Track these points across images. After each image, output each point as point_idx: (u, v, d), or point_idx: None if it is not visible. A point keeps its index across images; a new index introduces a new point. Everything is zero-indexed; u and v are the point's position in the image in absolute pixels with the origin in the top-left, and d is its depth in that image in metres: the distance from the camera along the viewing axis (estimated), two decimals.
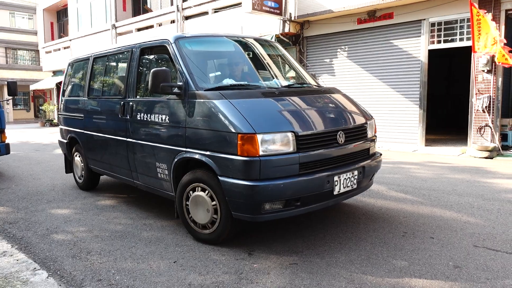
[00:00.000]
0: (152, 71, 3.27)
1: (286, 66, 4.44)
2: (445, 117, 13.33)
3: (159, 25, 15.04)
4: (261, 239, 3.39)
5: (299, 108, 3.31)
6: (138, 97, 3.98)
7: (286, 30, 10.78)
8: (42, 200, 4.96)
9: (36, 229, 3.85)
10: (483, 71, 8.07)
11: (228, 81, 3.59)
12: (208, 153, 3.10)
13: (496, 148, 7.79)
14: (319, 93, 3.75)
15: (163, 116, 3.54)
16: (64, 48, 21.21)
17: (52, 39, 23.48)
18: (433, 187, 5.19)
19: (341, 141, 3.27)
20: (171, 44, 3.59)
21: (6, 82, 6.64)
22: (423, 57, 8.93)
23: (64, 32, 22.95)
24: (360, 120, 3.60)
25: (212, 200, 3.18)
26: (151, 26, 15.34)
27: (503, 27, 7.84)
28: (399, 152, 8.62)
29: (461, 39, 8.47)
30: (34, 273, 2.81)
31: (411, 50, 9.16)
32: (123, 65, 4.41)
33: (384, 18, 9.41)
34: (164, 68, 3.37)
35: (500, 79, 8.00)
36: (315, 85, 4.12)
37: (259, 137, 2.85)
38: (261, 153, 2.85)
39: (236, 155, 2.89)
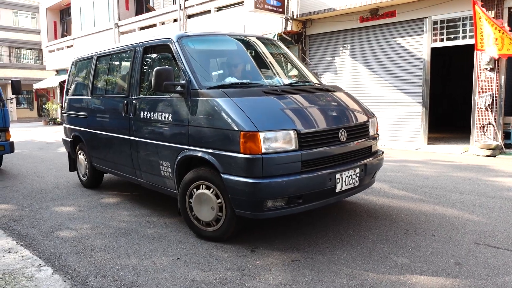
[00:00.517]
0: (155, 69, 3.29)
1: (289, 64, 4.45)
2: (447, 115, 13.30)
3: (162, 24, 15.07)
4: (263, 236, 3.41)
5: (301, 106, 3.33)
6: (141, 95, 4.01)
7: (289, 28, 10.78)
8: (46, 198, 5.00)
9: (41, 226, 3.89)
10: (486, 69, 8.05)
11: (230, 80, 3.62)
12: (210, 151, 3.12)
13: (499, 146, 7.77)
14: (321, 91, 3.76)
15: (166, 115, 3.57)
16: (67, 47, 21.29)
17: (55, 38, 23.57)
18: (435, 185, 5.19)
19: (343, 139, 3.28)
20: (174, 43, 3.61)
21: (10, 81, 6.69)
22: (426, 55, 8.91)
23: (67, 31, 23.03)
24: (362, 118, 3.62)
25: (217, 198, 3.20)
26: (154, 25, 15.37)
27: (506, 25, 7.80)
28: (401, 150, 8.61)
29: (463, 37, 8.45)
30: (39, 269, 2.84)
31: (414, 48, 9.14)
32: (126, 64, 4.44)
33: (386, 16, 9.40)
34: (167, 66, 3.39)
35: (503, 77, 7.98)
36: (317, 84, 4.13)
37: (262, 134, 2.87)
38: (263, 150, 2.86)
39: (239, 152, 2.91)
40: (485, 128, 8.12)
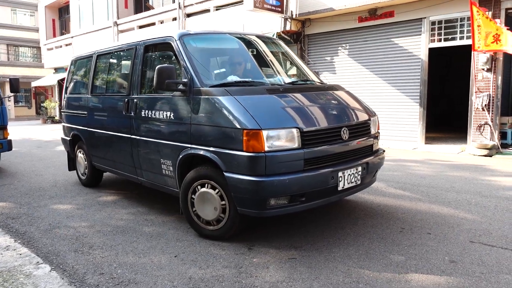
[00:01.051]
0: (157, 68, 3.28)
1: (290, 63, 4.45)
2: (446, 115, 13.34)
3: (161, 23, 15.07)
4: (261, 235, 3.43)
5: (303, 105, 3.33)
6: (142, 94, 4.00)
7: (288, 28, 10.80)
8: (44, 196, 5.01)
9: (39, 224, 3.90)
10: (483, 69, 8.09)
11: (232, 78, 3.63)
12: (213, 149, 3.12)
13: (496, 146, 7.81)
14: (323, 90, 3.76)
15: (168, 113, 3.56)
16: (66, 45, 21.25)
17: (54, 36, 23.52)
18: (432, 184, 5.23)
19: (345, 137, 3.29)
20: (175, 41, 3.60)
21: (8, 79, 6.69)
22: (424, 56, 8.94)
23: (66, 29, 22.99)
24: (363, 116, 3.63)
25: (220, 197, 3.19)
26: (153, 24, 15.36)
27: (503, 25, 7.84)
28: (399, 149, 8.65)
29: (461, 38, 8.49)
30: (37, 266, 2.86)
31: (412, 48, 9.18)
32: (127, 62, 4.44)
33: (385, 16, 9.42)
34: (169, 65, 3.39)
35: (499, 78, 8.02)
36: (318, 82, 4.14)
37: (265, 133, 2.87)
38: (266, 149, 2.87)
39: (242, 151, 2.91)
40: (482, 128, 8.16)
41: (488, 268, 2.72)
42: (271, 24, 11.08)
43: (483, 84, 8.15)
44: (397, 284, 2.52)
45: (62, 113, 5.89)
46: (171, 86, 3.32)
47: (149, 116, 3.80)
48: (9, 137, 6.72)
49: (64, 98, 5.83)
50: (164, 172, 3.70)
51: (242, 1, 10.76)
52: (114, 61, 4.81)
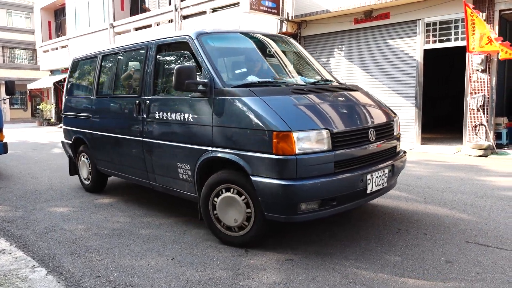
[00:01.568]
0: (176, 68, 3.15)
1: (306, 63, 4.28)
2: (444, 116, 13.40)
3: (157, 25, 15.06)
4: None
5: (329, 105, 3.23)
6: (155, 95, 3.83)
7: (284, 29, 10.82)
8: (40, 199, 4.99)
9: (35, 227, 3.88)
10: (478, 70, 8.15)
11: (252, 78, 3.48)
12: (238, 152, 3.00)
13: (491, 146, 7.86)
14: (344, 90, 3.64)
15: (186, 115, 3.41)
16: (62, 47, 21.17)
17: (50, 38, 23.44)
18: (428, 185, 5.25)
19: (372, 139, 3.20)
20: (193, 40, 3.47)
21: (4, 81, 6.66)
22: (419, 57, 9.00)
23: (62, 31, 22.92)
24: (387, 117, 3.56)
25: (244, 201, 3.07)
26: (149, 26, 15.34)
27: (497, 27, 7.91)
28: None
29: (456, 39, 8.55)
30: (33, 270, 2.84)
31: (407, 49, 9.23)
32: (137, 63, 4.29)
33: (380, 18, 9.47)
34: (188, 64, 3.28)
35: (494, 79, 8.08)
36: (338, 82, 4.01)
37: (295, 134, 2.77)
38: (297, 151, 2.76)
39: (271, 153, 2.79)
40: (477, 128, 8.21)
41: (484, 268, 2.74)
42: (268, 26, 11.10)
43: (478, 85, 8.20)
44: (393, 285, 2.53)
45: (63, 116, 5.67)
46: (191, 87, 3.18)
47: (164, 118, 3.63)
48: (4, 140, 6.69)
49: (65, 100, 5.62)
50: (180, 176, 3.55)
51: (238, 3, 10.77)
52: (122, 61, 4.61)
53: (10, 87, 6.52)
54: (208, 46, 3.46)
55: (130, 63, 4.54)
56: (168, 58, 3.95)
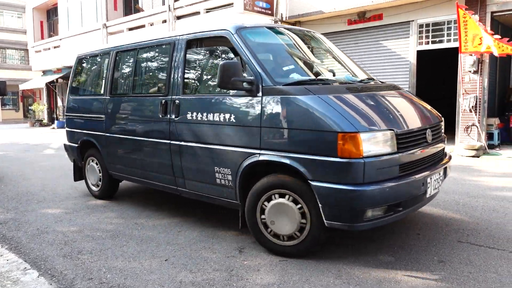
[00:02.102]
0: (221, 64, 2.92)
1: (343, 60, 3.97)
2: (449, 116, 13.48)
3: (151, 25, 15.01)
4: (251, 237, 3.43)
5: (386, 105, 3.06)
6: (186, 94, 3.55)
7: None
8: (32, 200, 4.94)
9: (27, 229, 3.84)
10: (470, 71, 8.23)
11: (297, 76, 3.20)
12: (293, 155, 2.78)
13: (483, 147, 7.94)
14: (391, 89, 3.44)
15: (226, 115, 3.15)
16: (54, 47, 21.02)
17: (42, 38, 23.25)
18: None
19: (430, 140, 3.07)
20: (233, 35, 3.22)
21: None
22: (412, 58, 9.06)
23: (54, 31, 22.74)
24: (438, 117, 3.42)
25: (300, 210, 2.86)
26: (143, 26, 15.29)
27: (488, 29, 7.99)
28: None
29: (448, 40, 8.63)
30: (25, 272, 2.81)
31: (400, 50, 9.30)
32: (161, 60, 3.97)
33: (373, 19, 9.53)
34: (234, 60, 3.04)
35: (486, 80, 8.17)
36: (379, 81, 3.79)
37: (363, 136, 2.58)
38: (364, 154, 2.58)
39: (336, 156, 2.59)
40: (469, 129, 8.29)
41: (476, 268, 2.76)
42: None
43: (470, 86, 8.29)
44: (387, 285, 2.54)
45: (66, 117, 5.27)
46: (237, 85, 2.94)
47: (198, 119, 3.37)
48: None
49: (70, 100, 5.19)
50: (219, 181, 3.29)
51: (233, 3, 10.78)
52: (142, 58, 4.24)
53: (1, 88, 6.46)
54: (249, 41, 3.21)
55: (152, 60, 4.18)
56: (200, 55, 3.69)
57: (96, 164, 4.82)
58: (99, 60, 4.87)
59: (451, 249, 3.09)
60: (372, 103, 2.96)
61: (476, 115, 8.20)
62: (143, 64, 4.24)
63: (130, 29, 15.96)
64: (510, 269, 2.73)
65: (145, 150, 3.99)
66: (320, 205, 2.71)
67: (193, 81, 3.66)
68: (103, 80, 4.62)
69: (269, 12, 10.49)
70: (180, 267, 2.88)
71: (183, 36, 3.67)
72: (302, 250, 2.92)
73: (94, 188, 4.95)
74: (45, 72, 23.07)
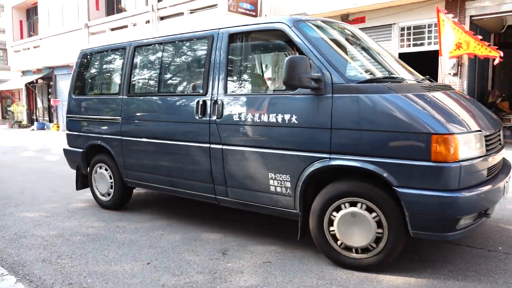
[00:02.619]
0: (288, 59, 2.68)
1: (394, 58, 3.75)
2: None
3: (134, 25, 14.84)
4: (235, 239, 3.42)
5: (463, 106, 2.90)
6: (230, 93, 3.25)
7: None
8: (9, 204, 4.80)
9: (4, 233, 3.73)
10: (450, 74, 8.43)
11: (361, 73, 3.04)
12: (375, 159, 2.55)
13: None
14: (453, 89, 3.24)
15: (287, 116, 2.87)
16: (34, 47, 20.55)
17: (21, 37, 22.70)
18: None
19: (502, 142, 3.01)
20: (290, 28, 2.96)
21: None
22: None
23: (34, 31, 22.23)
24: (499, 119, 3.30)
25: (375, 219, 2.65)
26: (125, 26, 15.11)
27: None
28: None
29: (429, 43, 8.81)
30: (2, 278, 2.73)
31: None
32: (195, 55, 3.68)
33: (356, 21, 9.67)
34: (302, 56, 2.75)
35: (465, 82, 8.38)
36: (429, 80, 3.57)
37: (459, 138, 2.41)
38: (460, 157, 2.42)
39: (428, 160, 2.40)
40: None
41: (456, 266, 2.81)
42: None
43: None
44: (369, 284, 2.57)
45: (68, 119, 4.78)
46: (305, 82, 2.68)
47: (250, 120, 3.07)
48: None
49: (73, 100, 4.71)
50: (273, 189, 3.02)
51: (217, 4, 10.76)
52: (169, 54, 3.87)
53: None
54: (309, 35, 2.96)
55: (183, 56, 3.82)
56: (247, 50, 3.44)
57: (106, 170, 4.41)
58: (110, 56, 4.44)
59: (432, 249, 3.14)
60: (451, 103, 2.79)
61: None
62: (171, 60, 3.89)
63: (113, 29, 15.74)
64: (488, 267, 2.80)
65: (175, 155, 3.64)
66: (406, 213, 2.51)
67: (238, 78, 3.39)
68: (118, 78, 4.20)
69: (253, 13, 10.52)
70: (162, 271, 2.85)
71: (224, 29, 3.38)
72: (378, 263, 2.70)
73: (103, 198, 4.50)
74: (24, 73, 22.54)
